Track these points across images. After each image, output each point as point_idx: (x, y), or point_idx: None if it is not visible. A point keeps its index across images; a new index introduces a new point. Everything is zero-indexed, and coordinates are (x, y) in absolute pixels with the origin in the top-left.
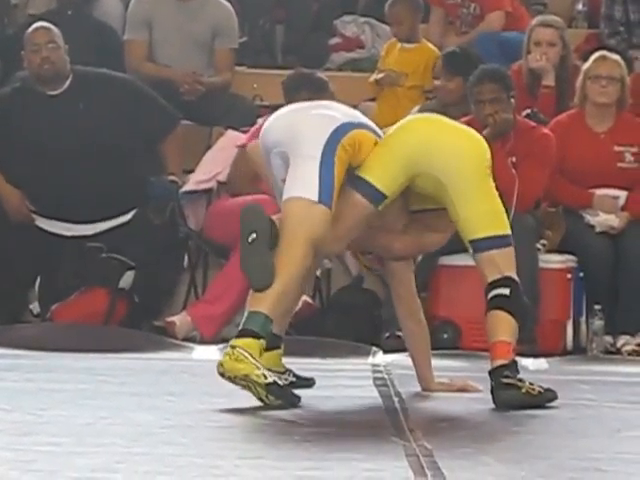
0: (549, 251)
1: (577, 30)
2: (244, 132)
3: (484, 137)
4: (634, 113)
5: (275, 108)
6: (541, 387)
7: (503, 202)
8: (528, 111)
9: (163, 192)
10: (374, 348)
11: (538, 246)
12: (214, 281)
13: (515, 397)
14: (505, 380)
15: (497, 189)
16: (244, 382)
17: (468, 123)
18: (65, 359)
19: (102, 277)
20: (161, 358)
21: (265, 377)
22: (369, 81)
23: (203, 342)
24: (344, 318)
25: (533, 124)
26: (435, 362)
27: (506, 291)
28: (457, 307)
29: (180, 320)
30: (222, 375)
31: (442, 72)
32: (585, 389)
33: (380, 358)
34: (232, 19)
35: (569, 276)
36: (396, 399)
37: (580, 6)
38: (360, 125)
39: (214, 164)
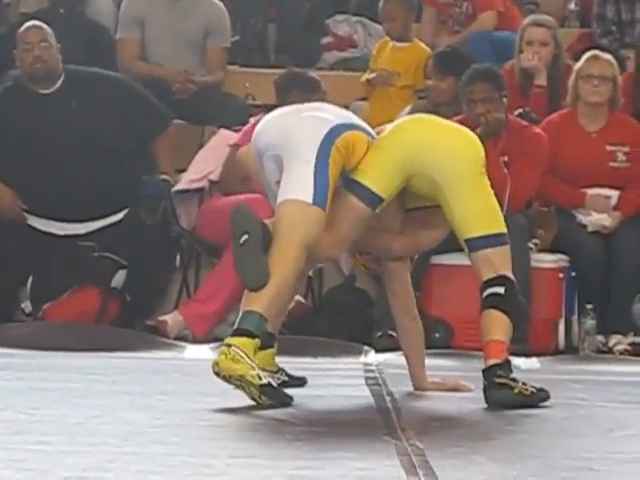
0: (541, 250)
1: (569, 29)
2: (236, 131)
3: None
4: (626, 112)
5: (267, 107)
6: (534, 387)
7: None
8: (520, 110)
9: (155, 191)
10: (366, 347)
11: (530, 245)
12: (206, 280)
13: (508, 397)
14: (498, 380)
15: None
16: (239, 382)
17: (460, 122)
18: (57, 358)
19: (94, 276)
20: (153, 357)
21: (260, 378)
22: (361, 80)
23: (195, 341)
24: (336, 317)
25: (525, 123)
26: (427, 361)
27: (501, 290)
28: (449, 306)
29: (172, 319)
30: (217, 374)
31: (434, 72)
32: (577, 389)
33: (372, 357)
34: (224, 18)
35: (561, 275)
36: (388, 398)
37: (572, 5)
38: (353, 126)
39: (206, 163)
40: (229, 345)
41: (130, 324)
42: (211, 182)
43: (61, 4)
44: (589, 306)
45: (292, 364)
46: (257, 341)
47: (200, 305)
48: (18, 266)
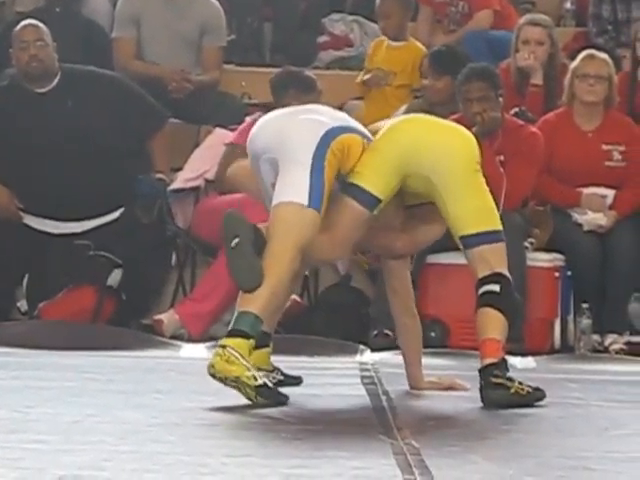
0: (537, 249)
1: (565, 29)
2: (232, 130)
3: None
4: (622, 112)
5: (263, 106)
6: (530, 386)
7: None
8: (516, 109)
9: (151, 190)
10: (362, 346)
11: (526, 244)
12: (202, 279)
13: (504, 397)
14: (494, 380)
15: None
16: (234, 383)
17: (456, 121)
18: (52, 357)
19: (90, 275)
20: (149, 356)
21: (255, 379)
22: (356, 81)
23: (191, 340)
24: (332, 316)
25: (521, 123)
26: (423, 360)
27: (496, 288)
28: (445, 305)
29: (168, 318)
30: (213, 376)
31: (429, 71)
32: (573, 388)
33: (368, 356)
34: (220, 17)
35: (557, 275)
36: (384, 397)
37: (568, 5)
38: (349, 129)
39: (202, 162)
40: (224, 346)
41: (126, 323)
42: (207, 181)
43: (57, 3)
44: (585, 305)
45: (288, 363)
46: (252, 342)
47: (196, 304)
48: (14, 265)
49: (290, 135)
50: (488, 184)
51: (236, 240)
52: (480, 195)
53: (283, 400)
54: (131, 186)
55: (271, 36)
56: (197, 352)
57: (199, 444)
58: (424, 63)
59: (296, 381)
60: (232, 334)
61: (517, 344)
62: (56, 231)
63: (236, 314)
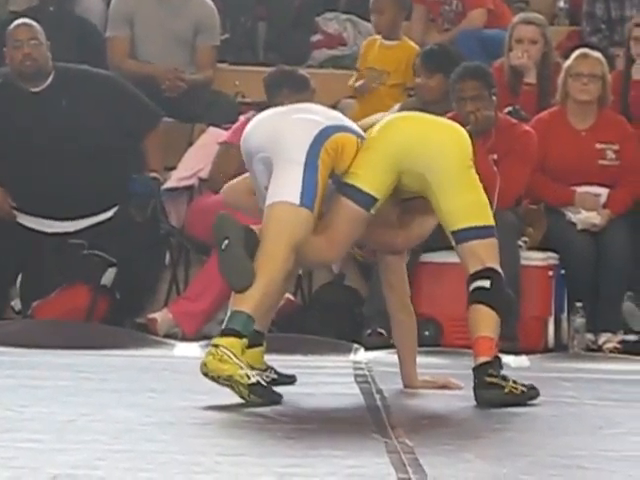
0: (530, 248)
1: (559, 27)
2: (226, 129)
3: None
4: (615, 110)
5: (257, 105)
6: (524, 385)
7: None
8: (510, 108)
9: (145, 189)
10: (356, 345)
11: (520, 243)
12: (195, 278)
13: (498, 397)
14: (488, 379)
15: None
16: (227, 382)
17: (450, 120)
18: (46, 356)
19: (84, 274)
20: (142, 355)
21: (248, 377)
22: (349, 84)
23: (184, 339)
24: (326, 315)
25: (514, 121)
26: (417, 359)
27: (487, 283)
28: (439, 304)
29: (161, 317)
30: (205, 375)
31: (421, 70)
32: (567, 387)
33: (362, 355)
34: (214, 16)
35: (550, 273)
36: (377, 396)
37: (562, 3)
38: (343, 128)
39: (196, 161)
40: (216, 345)
41: (119, 322)
42: (200, 180)
43: (51, 2)
44: (578, 304)
45: (282, 362)
46: (245, 341)
47: (189, 303)
48: (7, 264)
49: (284, 134)
50: (482, 183)
51: (226, 242)
52: (473, 190)
53: (277, 399)
54: (125, 185)
55: (265, 35)
56: (191, 351)
57: (193, 443)
58: (417, 62)
59: (290, 380)
60: (225, 333)
61: (511, 343)
62: (50, 230)
63: (229, 313)
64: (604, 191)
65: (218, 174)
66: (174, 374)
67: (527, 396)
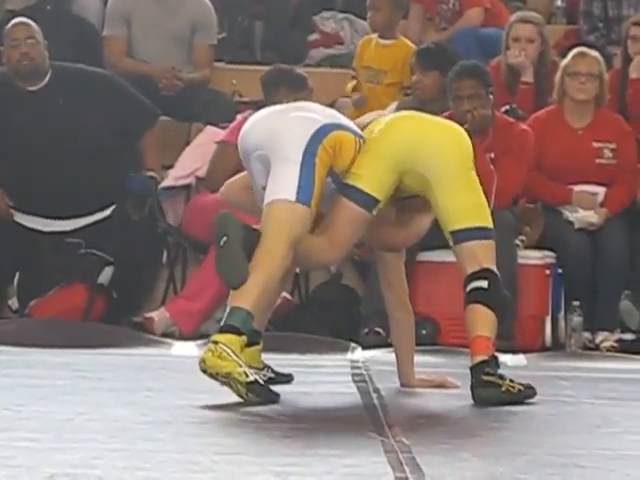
0: (527, 247)
1: (556, 26)
2: (223, 128)
3: None
4: (612, 109)
5: (254, 104)
6: (521, 384)
7: None
8: (507, 107)
9: (142, 188)
10: (353, 344)
11: (517, 242)
12: (193, 277)
13: (495, 395)
14: (486, 378)
15: None
16: (225, 379)
17: (447, 119)
18: (44, 355)
19: (81, 273)
20: (140, 354)
21: (247, 375)
22: (346, 90)
23: (182, 338)
24: (323, 314)
25: (512, 120)
26: (414, 358)
27: (484, 284)
28: (436, 303)
29: (159, 316)
30: (204, 371)
31: (416, 67)
32: (564, 385)
33: (359, 354)
34: (211, 15)
35: (548, 272)
36: (374, 395)
37: (559, 2)
38: (341, 126)
39: (193, 160)
40: (216, 342)
41: (117, 321)
42: (198, 179)
43: (48, 1)
44: (576, 303)
45: (279, 361)
46: (244, 338)
47: (187, 302)
48: (5, 263)
49: (282, 132)
50: (479, 181)
51: (224, 239)
52: (473, 192)
53: (274, 398)
54: (122, 184)
55: (262, 34)
56: (188, 350)
57: (190, 442)
58: (413, 60)
59: (287, 379)
60: (224, 330)
61: (508, 342)
62: (47, 229)
63: (228, 309)
64: (601, 190)
65: (215, 173)
66: (171, 373)
67: (524, 395)
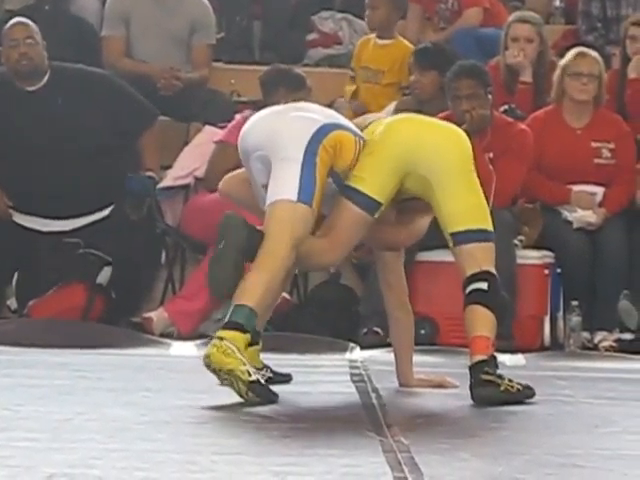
0: (526, 247)
1: (554, 26)
2: (221, 128)
3: None
4: (611, 109)
5: (253, 104)
6: (520, 384)
7: None
8: (505, 107)
9: (141, 188)
10: (351, 344)
11: (515, 242)
12: (191, 277)
13: (494, 395)
14: (484, 377)
15: None
16: (227, 376)
17: (446, 119)
18: (42, 355)
19: (79, 273)
20: (138, 354)
21: (249, 374)
22: (345, 91)
23: (180, 338)
24: (322, 314)
25: (510, 120)
26: (413, 358)
27: (484, 285)
28: (435, 303)
29: (157, 316)
30: (208, 366)
31: (414, 67)
32: (563, 385)
33: (357, 354)
34: (209, 15)
35: (546, 272)
36: (373, 395)
37: (557, 2)
38: (340, 126)
39: (191, 160)
40: (221, 338)
41: (115, 321)
42: (196, 179)
43: (46, 1)
44: (574, 303)
45: (277, 361)
46: (247, 336)
47: (185, 302)
48: (4, 263)
49: (281, 132)
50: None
51: (222, 244)
52: (473, 194)
53: (274, 398)
54: (121, 184)
55: (260, 34)
56: (187, 350)
57: (189, 442)
58: (411, 59)
59: (286, 379)
60: (229, 326)
61: (507, 341)
62: (46, 229)
63: (232, 307)
64: (600, 190)
65: (214, 173)
66: (170, 373)
67: (523, 394)
